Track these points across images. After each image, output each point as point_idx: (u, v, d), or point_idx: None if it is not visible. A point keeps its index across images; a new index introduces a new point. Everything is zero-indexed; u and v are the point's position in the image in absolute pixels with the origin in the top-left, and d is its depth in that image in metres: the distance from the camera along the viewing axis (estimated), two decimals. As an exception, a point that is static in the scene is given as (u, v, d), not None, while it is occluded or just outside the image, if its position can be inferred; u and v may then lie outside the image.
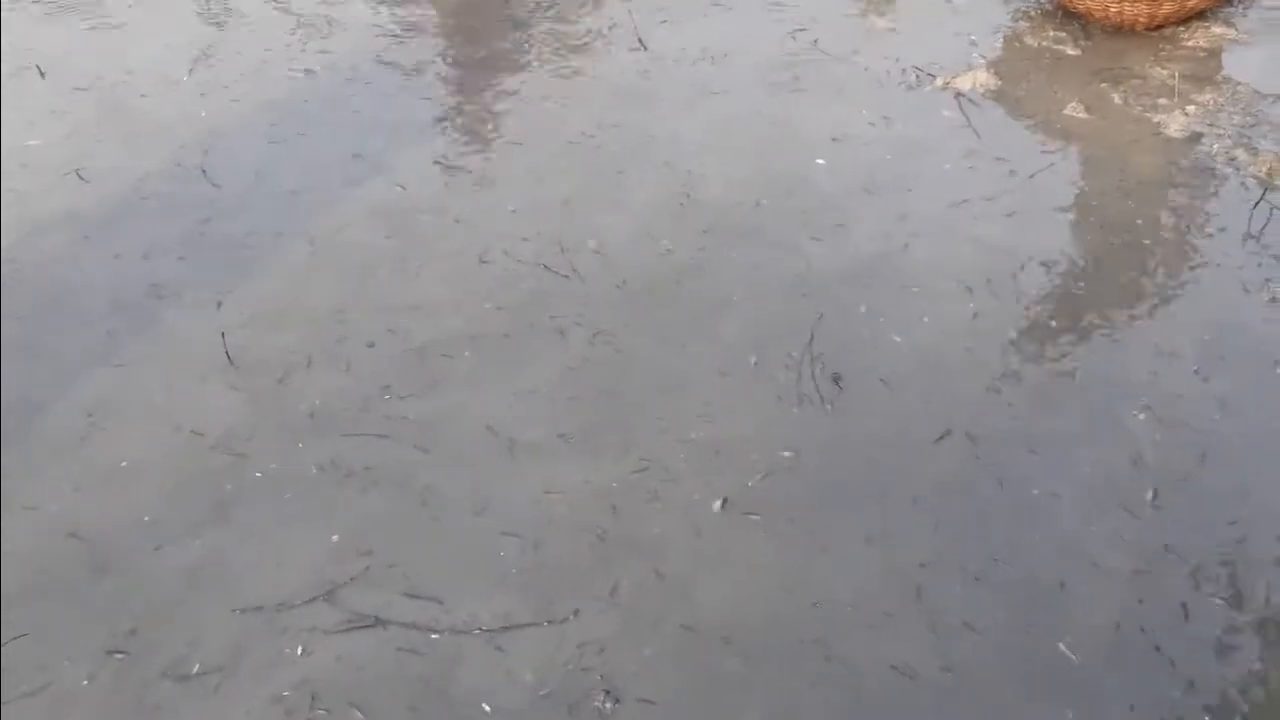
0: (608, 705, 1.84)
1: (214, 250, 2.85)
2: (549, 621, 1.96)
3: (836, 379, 2.44)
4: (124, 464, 2.26)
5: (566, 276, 2.73)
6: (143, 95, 3.51)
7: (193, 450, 2.29)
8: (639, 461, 2.26)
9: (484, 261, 2.80)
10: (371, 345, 2.54)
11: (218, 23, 3.95)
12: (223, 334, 2.57)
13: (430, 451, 2.29)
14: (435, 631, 1.95)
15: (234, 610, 1.98)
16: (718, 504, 2.17)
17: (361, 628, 1.95)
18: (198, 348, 2.55)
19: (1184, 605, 1.98)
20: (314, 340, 2.56)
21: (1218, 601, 1.99)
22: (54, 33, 3.87)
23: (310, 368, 2.49)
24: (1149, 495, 2.19)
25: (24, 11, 4.01)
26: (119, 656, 1.91)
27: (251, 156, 3.22)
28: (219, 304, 2.67)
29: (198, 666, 1.89)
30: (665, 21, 3.95)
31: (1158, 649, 1.91)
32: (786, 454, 2.27)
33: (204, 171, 3.12)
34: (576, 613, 1.98)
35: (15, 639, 1.93)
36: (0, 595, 2.02)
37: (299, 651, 1.92)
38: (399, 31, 3.91)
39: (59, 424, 2.34)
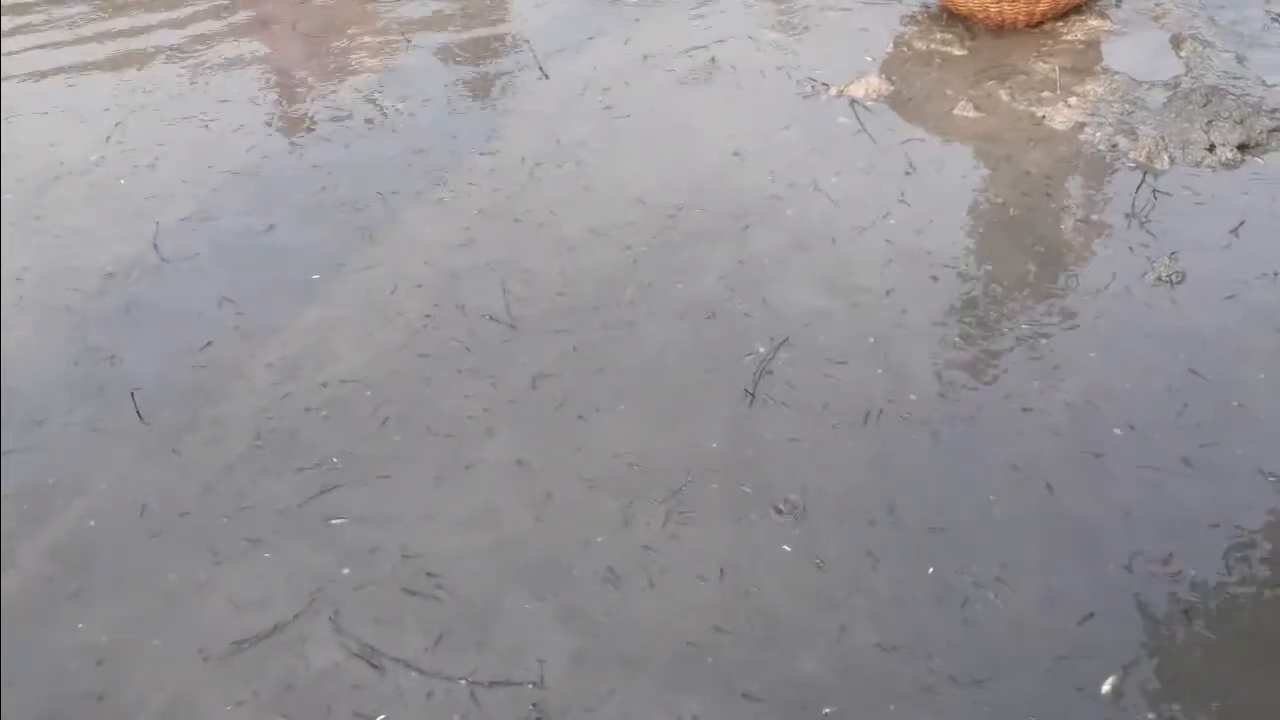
0: (539, 734, 1.86)
1: (152, 323, 2.79)
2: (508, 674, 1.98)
3: (751, 390, 2.50)
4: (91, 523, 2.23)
5: (513, 327, 2.72)
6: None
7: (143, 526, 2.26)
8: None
9: (428, 316, 2.76)
10: (326, 417, 2.48)
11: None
12: (133, 393, 2.53)
13: (388, 482, 2.29)
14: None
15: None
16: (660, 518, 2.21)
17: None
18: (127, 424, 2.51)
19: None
20: (259, 410, 2.51)
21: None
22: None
23: (260, 438, 2.47)
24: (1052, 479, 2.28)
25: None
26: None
27: (189, 230, 3.14)
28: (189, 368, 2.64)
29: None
30: (563, 50, 4.00)
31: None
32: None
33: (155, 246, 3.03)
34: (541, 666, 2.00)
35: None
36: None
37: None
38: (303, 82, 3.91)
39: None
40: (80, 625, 2.04)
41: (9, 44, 4.10)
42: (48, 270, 2.95)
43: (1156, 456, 2.30)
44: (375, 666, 1.96)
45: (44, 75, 3.92)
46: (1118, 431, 2.36)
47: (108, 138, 3.52)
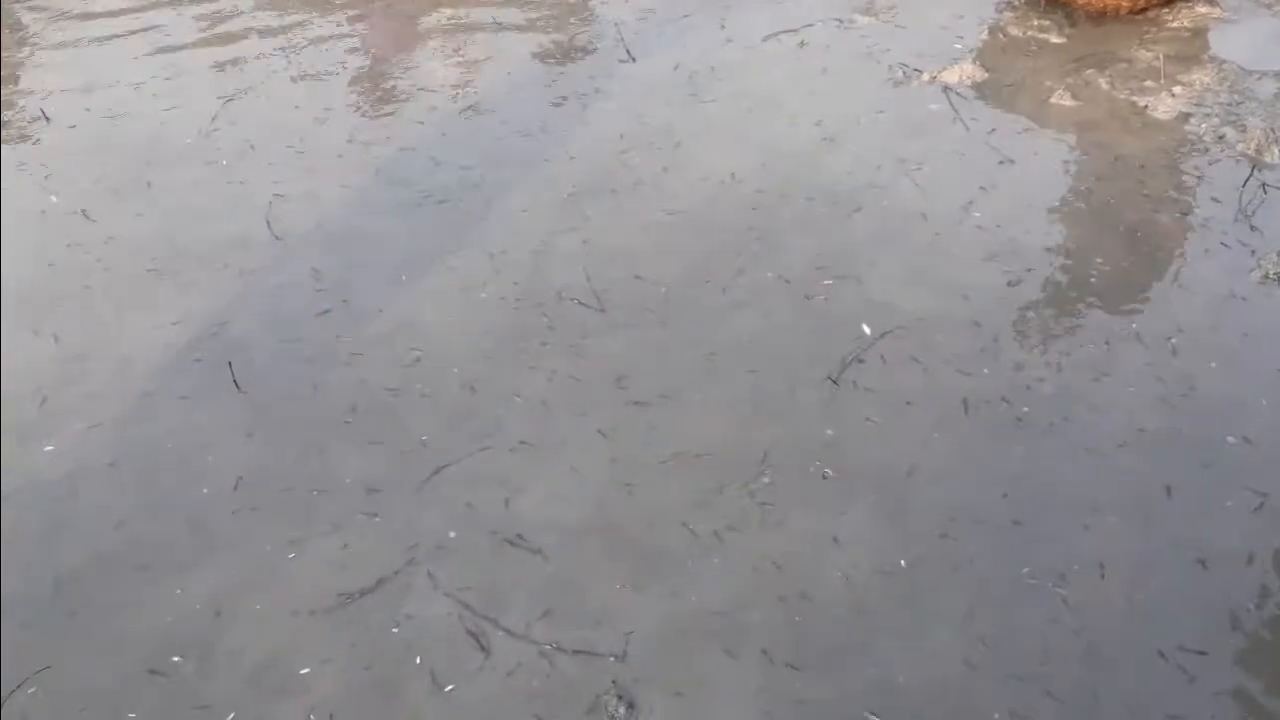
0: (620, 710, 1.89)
1: (260, 297, 2.88)
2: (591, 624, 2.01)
3: (834, 377, 2.48)
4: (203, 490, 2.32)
5: (602, 310, 2.73)
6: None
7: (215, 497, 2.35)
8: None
9: (519, 300, 2.83)
10: (421, 391, 2.53)
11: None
12: (230, 363, 2.62)
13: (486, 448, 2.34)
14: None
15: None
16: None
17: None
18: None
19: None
20: (358, 382, 2.61)
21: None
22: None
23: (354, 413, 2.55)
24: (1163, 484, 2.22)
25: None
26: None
27: (290, 211, 3.22)
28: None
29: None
30: (649, 32, 3.99)
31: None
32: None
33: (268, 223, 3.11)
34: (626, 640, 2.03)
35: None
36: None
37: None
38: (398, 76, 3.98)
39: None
40: (179, 591, 2.12)
41: (106, 27, 4.24)
42: (157, 244, 3.05)
43: (1270, 470, 2.22)
44: (469, 631, 2.01)
45: (145, 58, 4.04)
46: (1230, 440, 2.28)
47: (213, 117, 3.62)
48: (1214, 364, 2.47)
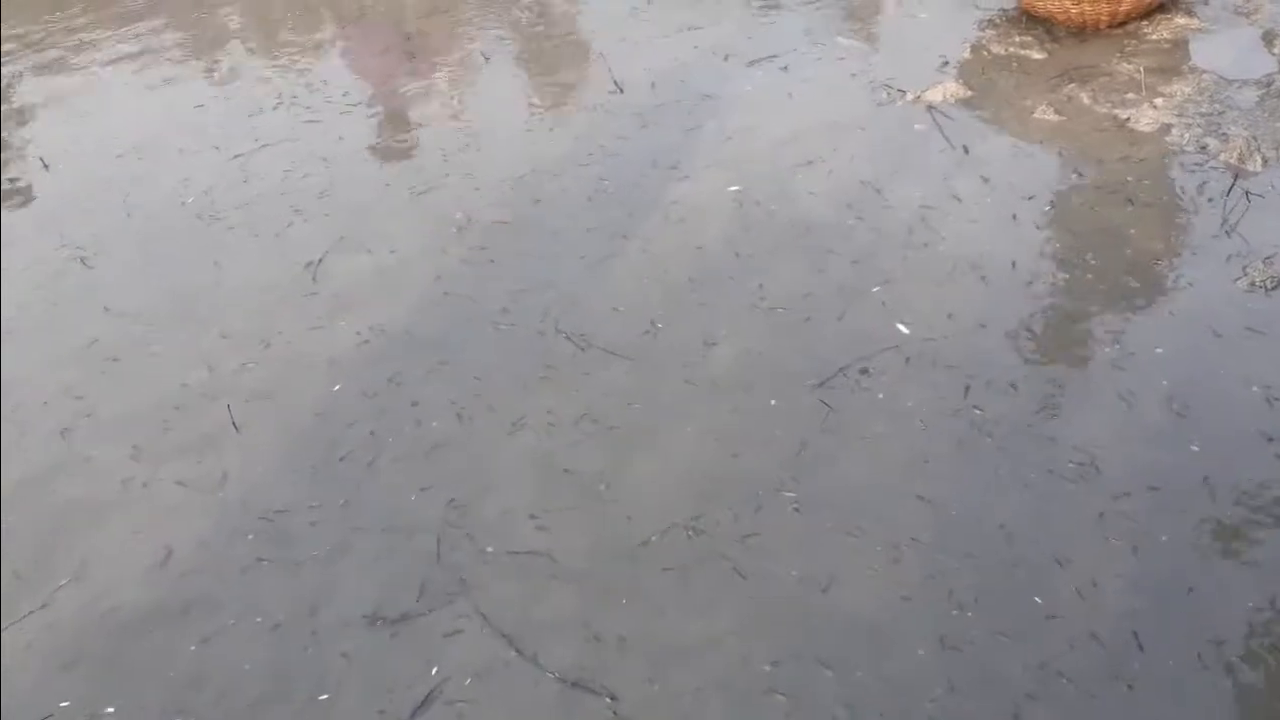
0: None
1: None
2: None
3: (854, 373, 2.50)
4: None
5: (583, 349, 2.80)
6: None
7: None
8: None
9: (541, 333, 2.88)
10: (392, 438, 2.62)
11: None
12: (229, 406, 2.65)
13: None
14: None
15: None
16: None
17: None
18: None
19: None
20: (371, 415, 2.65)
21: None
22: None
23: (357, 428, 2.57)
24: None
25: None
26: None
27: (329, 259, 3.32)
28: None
29: None
30: (636, 63, 4.05)
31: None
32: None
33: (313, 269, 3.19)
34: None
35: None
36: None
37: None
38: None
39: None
40: (193, 648, 2.15)
41: (112, 75, 4.32)
42: (159, 297, 3.10)
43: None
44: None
45: (155, 113, 4.11)
46: (1195, 447, 2.30)
47: (230, 160, 3.68)
48: (1203, 374, 2.48)
